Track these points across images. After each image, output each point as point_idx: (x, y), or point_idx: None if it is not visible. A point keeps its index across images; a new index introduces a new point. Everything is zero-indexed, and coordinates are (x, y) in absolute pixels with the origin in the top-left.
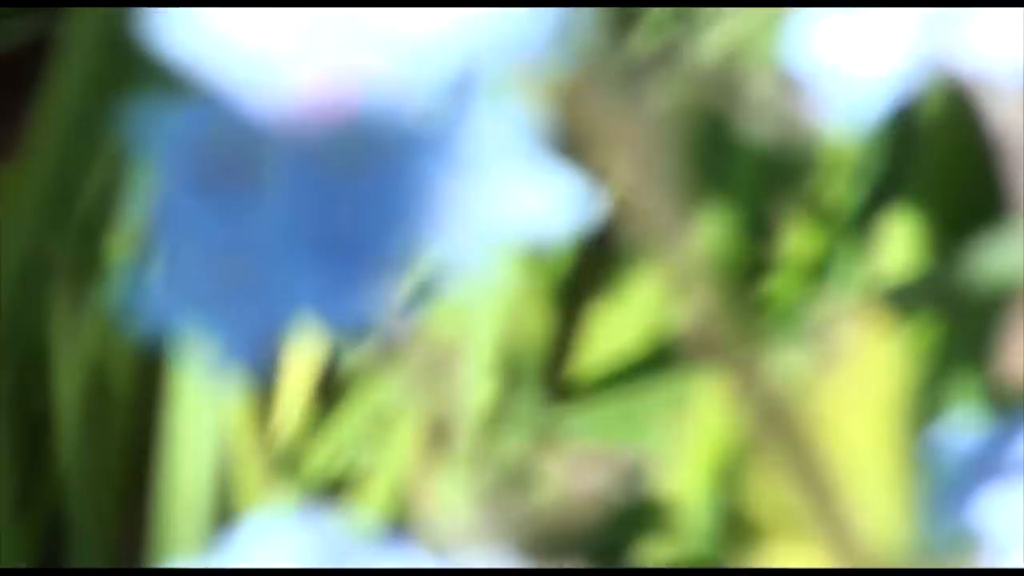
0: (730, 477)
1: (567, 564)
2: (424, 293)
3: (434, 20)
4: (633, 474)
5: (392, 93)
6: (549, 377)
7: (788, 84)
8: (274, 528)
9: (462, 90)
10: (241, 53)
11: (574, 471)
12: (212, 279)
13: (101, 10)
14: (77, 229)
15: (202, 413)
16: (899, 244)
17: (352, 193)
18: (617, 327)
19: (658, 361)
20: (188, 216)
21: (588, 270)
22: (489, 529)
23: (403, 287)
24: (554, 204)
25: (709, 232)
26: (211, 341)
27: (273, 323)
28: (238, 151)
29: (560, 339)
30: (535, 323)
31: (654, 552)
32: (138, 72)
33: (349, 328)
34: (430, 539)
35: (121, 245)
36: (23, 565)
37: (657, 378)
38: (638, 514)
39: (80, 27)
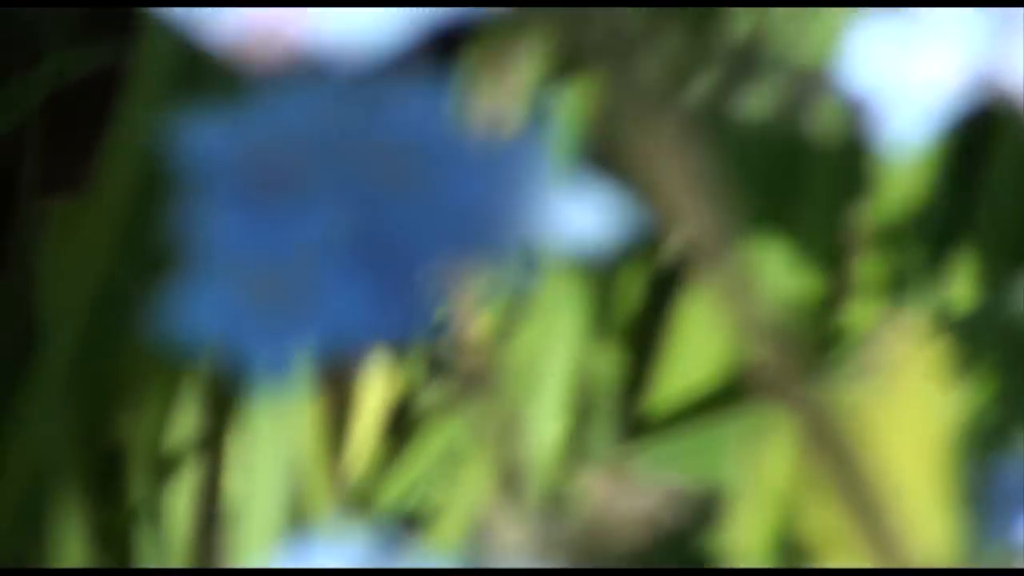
0: (791, 506)
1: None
2: (477, 305)
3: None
4: (695, 504)
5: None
6: (621, 413)
7: (854, 105)
8: (343, 558)
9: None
10: None
11: (639, 501)
12: (257, 293)
13: (171, 35)
14: (150, 262)
15: (274, 447)
16: (966, 275)
17: (397, 206)
18: (689, 362)
19: (729, 395)
20: (232, 231)
21: (659, 304)
22: (539, 546)
23: (451, 300)
24: (598, 220)
25: (779, 260)
26: (258, 357)
27: (322, 337)
28: (280, 163)
29: (632, 374)
30: (607, 358)
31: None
32: (210, 95)
33: (397, 341)
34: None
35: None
36: None
37: (729, 413)
38: (689, 539)
39: (150, 54)
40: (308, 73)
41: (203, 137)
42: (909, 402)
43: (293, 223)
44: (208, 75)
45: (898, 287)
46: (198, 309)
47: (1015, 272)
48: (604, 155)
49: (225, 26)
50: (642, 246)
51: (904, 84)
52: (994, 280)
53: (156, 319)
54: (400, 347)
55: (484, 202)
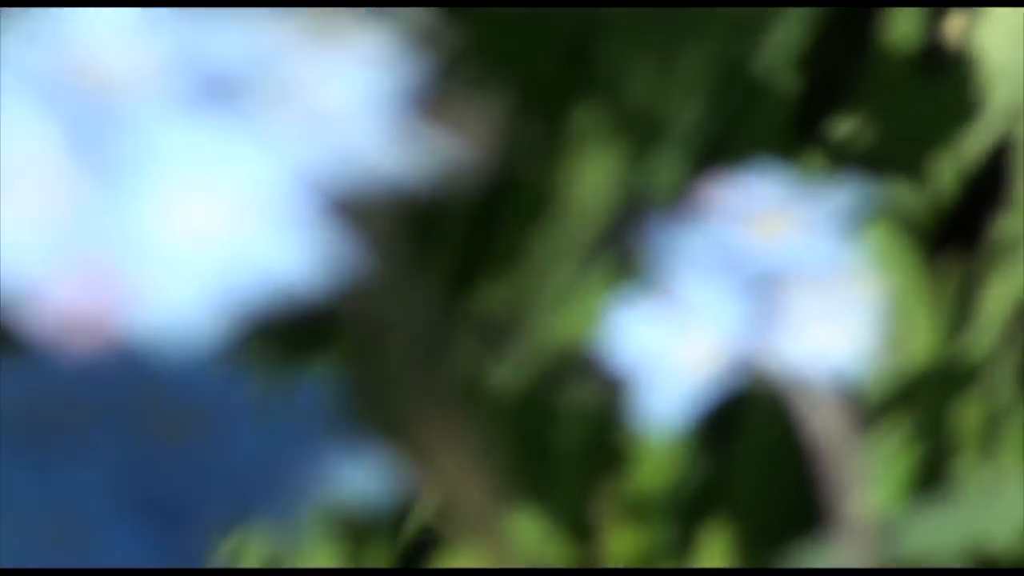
0: None
1: None
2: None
3: (202, 232)
4: None
5: (155, 312)
6: None
7: (609, 380)
8: None
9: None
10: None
11: None
12: (31, 537)
13: None
14: None
15: None
16: (716, 548)
17: (171, 457)
18: None
19: None
20: (6, 472)
21: (409, 560)
22: None
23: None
24: (366, 480)
25: (529, 531)
26: None
27: None
28: (57, 409)
29: None
30: None
31: None
32: None
33: None
34: None
35: None
36: None
37: None
38: None
39: None
40: (121, 357)
41: None
42: None
43: (68, 473)
44: None
45: (647, 561)
46: None
47: (767, 546)
48: (372, 417)
49: (42, 308)
50: (400, 507)
51: (662, 362)
52: (746, 556)
53: None
54: None
55: (259, 459)
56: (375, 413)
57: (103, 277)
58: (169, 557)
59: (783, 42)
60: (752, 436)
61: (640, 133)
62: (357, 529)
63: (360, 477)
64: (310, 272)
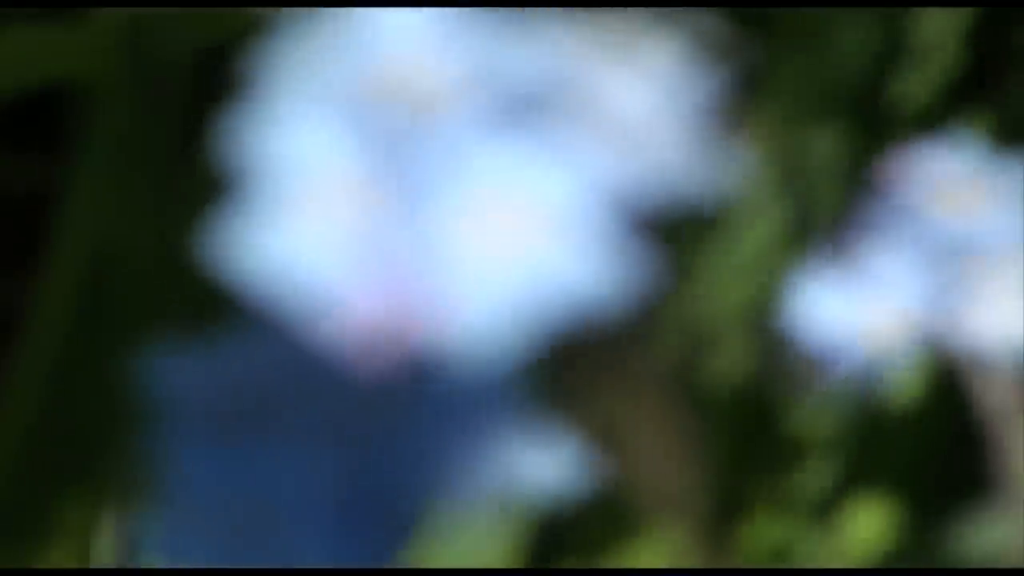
0: None
1: None
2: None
3: (505, 249)
4: None
5: (454, 334)
6: None
7: (778, 350)
8: None
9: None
10: (295, 275)
11: None
12: (222, 531)
13: (88, 236)
14: (62, 483)
15: None
16: (866, 528)
17: (366, 455)
18: None
19: None
20: (201, 466)
21: (586, 538)
22: None
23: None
24: (554, 468)
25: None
26: None
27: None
28: (255, 401)
29: None
30: None
31: None
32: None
33: None
34: None
35: (127, 491)
36: None
37: None
38: None
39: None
40: (422, 382)
41: (177, 371)
42: None
43: (265, 463)
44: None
45: (793, 543)
46: (168, 542)
47: (921, 525)
48: (568, 405)
49: (342, 326)
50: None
51: (847, 334)
52: (900, 533)
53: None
54: None
55: (451, 450)
56: (574, 400)
57: (406, 293)
58: (359, 553)
59: (949, 12)
60: (920, 409)
61: (823, 104)
62: (541, 519)
63: (552, 467)
64: (611, 289)
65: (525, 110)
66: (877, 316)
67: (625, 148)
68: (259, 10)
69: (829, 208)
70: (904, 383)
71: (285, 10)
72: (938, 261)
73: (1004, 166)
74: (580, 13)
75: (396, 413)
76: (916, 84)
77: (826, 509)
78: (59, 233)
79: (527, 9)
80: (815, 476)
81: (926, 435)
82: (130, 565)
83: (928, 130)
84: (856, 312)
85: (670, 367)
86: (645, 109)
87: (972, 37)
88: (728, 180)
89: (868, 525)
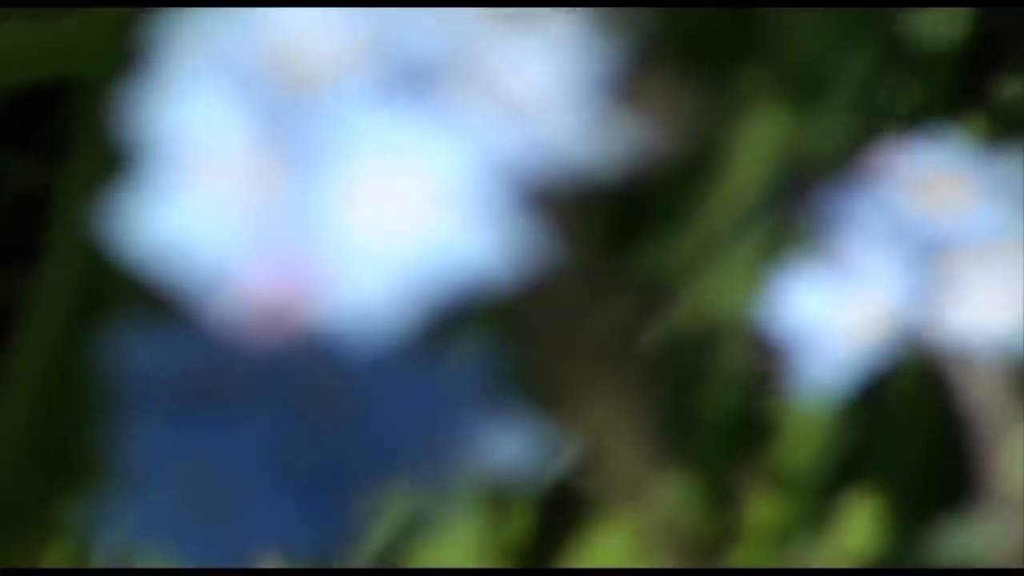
0: None
1: None
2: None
3: (395, 222)
4: None
5: (345, 305)
6: None
7: (762, 348)
8: None
9: (427, 318)
10: (192, 254)
11: None
12: (184, 504)
13: (75, 252)
14: (61, 473)
15: None
16: (862, 519)
17: (326, 424)
18: None
19: None
20: (160, 442)
21: (551, 525)
22: None
23: (374, 521)
24: (519, 450)
25: (672, 498)
26: (182, 565)
27: (242, 550)
28: (212, 377)
29: None
30: None
31: None
32: (118, 305)
33: (314, 557)
34: None
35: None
36: None
37: None
38: None
39: (54, 277)
40: (310, 353)
41: (137, 354)
42: None
43: (224, 436)
44: (116, 282)
45: (790, 531)
46: (133, 518)
47: (914, 518)
48: (532, 385)
49: (234, 296)
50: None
51: (824, 329)
52: (893, 526)
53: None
54: (323, 560)
55: (409, 427)
56: (531, 377)
57: (295, 266)
58: (317, 522)
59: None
60: (904, 406)
61: (806, 94)
62: (503, 496)
63: (512, 445)
64: (501, 261)
65: (419, 81)
66: (859, 311)
67: (519, 120)
68: None
69: (814, 199)
70: (887, 379)
71: None
72: (921, 256)
73: (988, 161)
74: None
75: (344, 386)
76: (905, 79)
77: (815, 506)
78: (55, 230)
79: None
80: (802, 473)
81: (910, 431)
82: (96, 545)
83: (914, 126)
84: (838, 307)
85: (618, 341)
86: (540, 81)
87: (965, 37)
88: (621, 152)
89: (857, 522)
